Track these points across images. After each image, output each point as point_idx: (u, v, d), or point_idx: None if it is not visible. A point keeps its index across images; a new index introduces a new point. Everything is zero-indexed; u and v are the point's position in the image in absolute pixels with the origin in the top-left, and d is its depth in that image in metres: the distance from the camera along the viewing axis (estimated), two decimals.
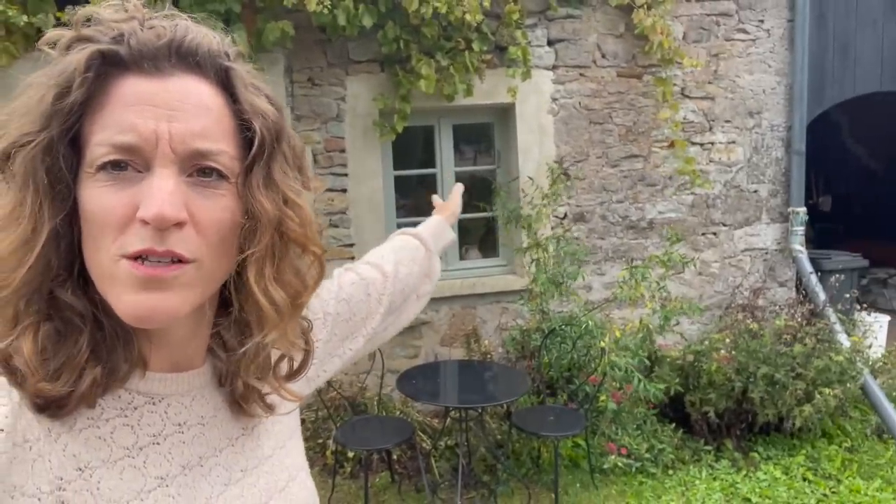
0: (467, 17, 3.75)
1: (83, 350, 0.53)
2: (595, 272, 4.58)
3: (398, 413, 3.86)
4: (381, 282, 0.96)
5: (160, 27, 0.55)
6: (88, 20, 0.54)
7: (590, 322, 3.69)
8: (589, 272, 4.50)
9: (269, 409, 0.68)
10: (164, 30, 0.55)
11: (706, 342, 4.03)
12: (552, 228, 4.40)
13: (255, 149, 0.57)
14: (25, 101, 0.52)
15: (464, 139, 4.60)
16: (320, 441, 3.75)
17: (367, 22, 3.73)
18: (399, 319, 1.03)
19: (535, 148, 4.39)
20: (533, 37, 4.35)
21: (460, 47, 4.02)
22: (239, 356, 0.63)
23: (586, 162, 4.52)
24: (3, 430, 0.48)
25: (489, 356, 4.16)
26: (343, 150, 4.13)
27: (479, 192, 4.56)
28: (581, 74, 4.48)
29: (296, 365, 0.70)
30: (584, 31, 4.47)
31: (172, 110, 0.53)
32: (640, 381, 3.45)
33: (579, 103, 4.48)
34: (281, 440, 0.74)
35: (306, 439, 3.82)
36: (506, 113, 4.47)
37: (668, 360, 3.94)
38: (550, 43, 4.43)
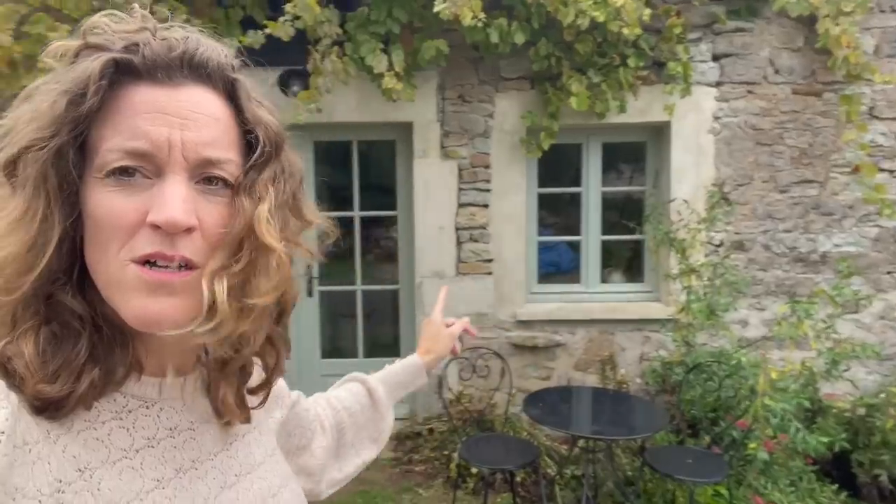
0: (625, 31, 3.61)
1: (82, 353, 0.54)
2: (754, 307, 4.17)
3: (525, 434, 3.78)
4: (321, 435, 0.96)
5: (173, 39, 0.57)
6: (95, 29, 0.56)
7: (742, 359, 3.35)
8: (746, 306, 4.11)
9: (247, 419, 0.69)
10: (177, 42, 0.56)
11: (883, 395, 3.50)
12: (706, 256, 4.09)
13: (255, 156, 0.59)
14: (33, 108, 0.53)
15: (613, 158, 4.43)
16: (445, 453, 3.77)
17: (520, 39, 3.73)
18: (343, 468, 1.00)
19: (691, 169, 4.11)
20: (696, 51, 4.10)
21: (615, 63, 3.89)
22: (210, 362, 0.64)
23: (749, 186, 4.15)
24: (3, 433, 0.49)
25: (625, 386, 3.94)
26: (488, 166, 4.15)
27: (627, 213, 4.37)
28: (749, 91, 4.14)
29: (253, 382, 0.69)
30: (756, 45, 4.12)
31: (184, 119, 0.55)
32: (798, 430, 3.07)
33: (745, 122, 4.13)
34: (270, 449, 0.76)
35: (433, 449, 3.87)
36: (660, 132, 4.24)
37: (835, 410, 3.47)
38: (716, 58, 4.14)
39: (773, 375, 3.32)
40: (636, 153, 4.46)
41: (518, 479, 3.52)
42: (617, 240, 4.40)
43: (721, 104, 4.13)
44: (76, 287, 0.55)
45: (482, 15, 3.47)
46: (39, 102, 0.53)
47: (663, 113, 3.97)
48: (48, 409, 0.52)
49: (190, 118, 0.55)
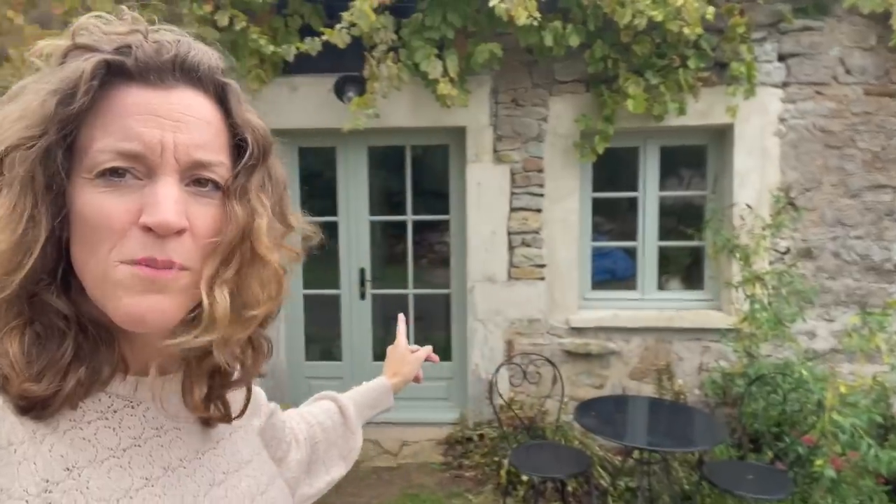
0: (686, 30, 3.51)
1: (67, 352, 0.54)
2: (822, 317, 3.97)
3: (577, 443, 3.70)
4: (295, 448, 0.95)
5: (165, 42, 0.57)
6: (83, 31, 0.56)
7: (808, 372, 3.19)
8: (814, 316, 3.92)
9: (227, 418, 0.69)
10: (169, 45, 0.57)
11: None
12: (770, 263, 3.92)
13: (244, 160, 0.59)
14: (21, 107, 0.53)
15: (671, 162, 4.31)
16: (496, 459, 3.73)
17: (575, 41, 3.68)
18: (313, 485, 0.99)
19: (755, 173, 3.96)
20: (760, 51, 3.95)
21: (674, 64, 3.78)
22: (193, 363, 0.64)
23: (818, 190, 3.96)
24: None
25: (683, 397, 3.82)
26: (541, 170, 4.11)
27: (685, 218, 4.24)
28: (818, 92, 3.96)
29: (233, 379, 0.69)
30: (825, 45, 3.94)
31: (176, 122, 0.55)
32: (869, 447, 2.90)
33: (813, 124, 3.95)
34: (257, 448, 0.76)
35: (483, 455, 3.83)
36: (722, 134, 4.10)
37: None
38: (781, 58, 3.98)
39: (843, 390, 3.15)
40: (695, 157, 4.32)
41: (569, 488, 3.44)
42: (675, 246, 4.27)
43: (787, 106, 3.96)
44: (60, 287, 0.55)
45: (537, 14, 3.44)
46: (28, 101, 0.53)
47: (725, 115, 3.85)
48: (34, 408, 0.52)
49: (182, 121, 0.56)
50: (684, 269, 4.43)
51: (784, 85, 3.98)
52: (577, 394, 4.03)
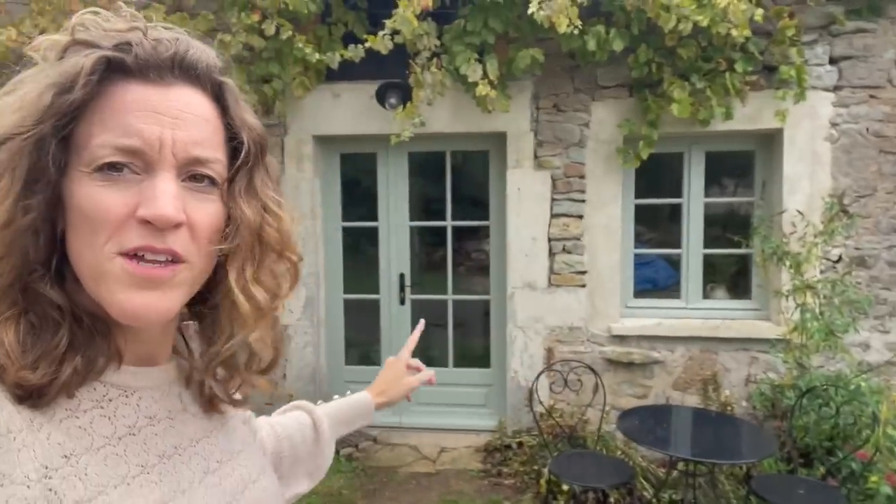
0: (733, 32, 3.44)
1: (62, 342, 0.54)
2: (876, 328, 3.82)
3: (619, 453, 3.63)
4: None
5: (165, 40, 0.58)
6: (83, 27, 0.57)
7: (862, 384, 3.07)
8: (868, 328, 3.78)
9: (236, 403, 0.72)
10: (168, 43, 0.58)
11: None
12: (822, 272, 3.80)
13: (242, 158, 0.61)
14: (18, 98, 0.54)
15: (715, 168, 4.22)
16: (535, 468, 3.69)
17: (618, 46, 3.64)
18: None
19: (805, 179, 3.85)
20: (811, 54, 3.84)
21: (720, 68, 3.71)
22: (211, 355, 0.66)
23: (872, 197, 3.82)
24: None
25: (730, 409, 3.71)
26: (582, 176, 4.06)
27: (730, 226, 4.14)
28: (871, 96, 3.83)
29: (264, 363, 0.71)
30: (879, 47, 3.81)
31: (175, 118, 0.56)
32: None
33: (867, 129, 3.82)
34: (247, 439, 0.78)
35: (522, 463, 3.79)
36: (771, 139, 4.00)
37: None
38: (833, 61, 3.86)
39: None
40: (741, 163, 4.22)
41: (611, 499, 3.38)
42: (720, 253, 4.16)
43: (839, 110, 3.84)
44: (54, 278, 0.56)
45: (578, 22, 3.42)
46: (26, 93, 0.54)
47: (774, 119, 3.75)
48: (31, 397, 0.53)
49: (181, 118, 0.57)
50: (730, 277, 4.32)
51: (836, 89, 3.86)
52: (618, 403, 3.96)
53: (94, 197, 0.54)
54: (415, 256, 4.59)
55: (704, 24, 3.41)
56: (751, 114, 3.84)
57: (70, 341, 0.55)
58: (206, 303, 0.66)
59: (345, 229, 4.53)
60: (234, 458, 0.72)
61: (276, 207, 0.63)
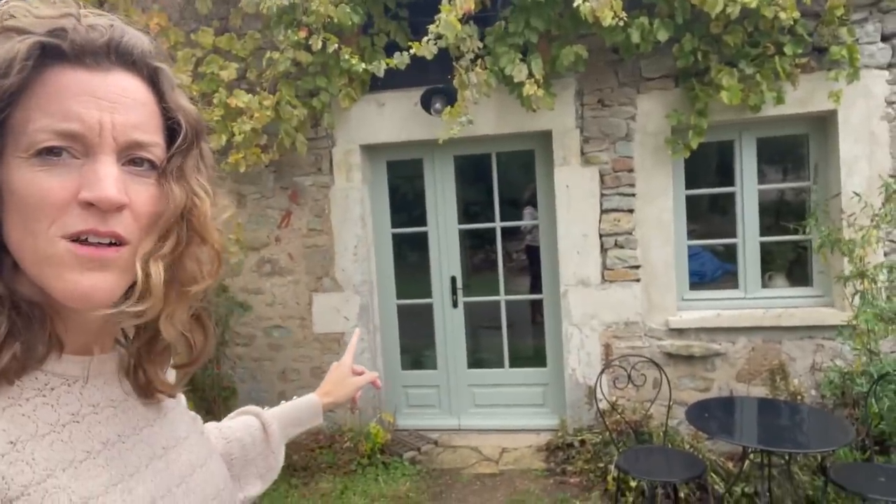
0: (781, 15, 3.39)
1: (1, 330, 0.54)
2: None
3: (687, 447, 3.58)
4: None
5: (100, 26, 0.58)
6: (11, 15, 0.56)
7: None
8: None
9: (173, 390, 0.72)
10: (104, 29, 0.58)
11: None
12: (885, 255, 3.70)
13: (178, 141, 0.62)
14: None
15: (769, 153, 4.14)
16: (600, 465, 3.66)
17: (663, 36, 3.61)
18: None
19: (862, 160, 3.75)
20: (862, 33, 3.75)
21: (769, 52, 3.65)
22: (134, 342, 0.66)
23: None
24: None
25: (799, 398, 3.63)
26: (631, 170, 4.04)
27: (787, 212, 4.06)
28: None
29: (178, 359, 0.71)
30: None
31: (114, 103, 0.57)
32: None
33: None
34: (191, 426, 0.79)
35: (586, 461, 3.77)
36: (825, 122, 3.92)
37: None
38: (885, 38, 3.76)
39: None
40: (792, 147, 4.14)
41: (682, 494, 3.33)
42: (777, 241, 4.08)
43: (895, 87, 3.74)
44: None
45: (623, 14, 3.40)
46: None
47: (828, 101, 3.68)
48: None
49: (119, 102, 0.57)
50: (788, 265, 4.23)
51: (889, 66, 3.77)
52: (680, 397, 3.92)
53: (33, 182, 0.54)
54: (464, 259, 4.61)
55: (752, 5, 3.36)
56: (803, 97, 3.77)
57: (9, 329, 0.54)
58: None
59: (394, 236, 4.58)
60: (180, 444, 0.73)
61: (203, 192, 0.63)
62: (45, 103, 0.55)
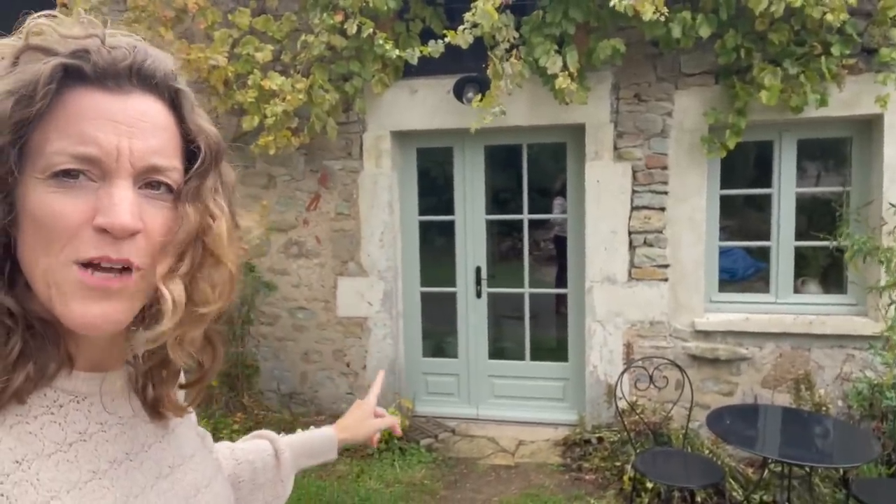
0: (828, 16, 3.27)
1: (15, 349, 0.54)
2: None
3: (706, 452, 3.55)
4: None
5: (122, 48, 0.58)
6: (38, 32, 0.56)
7: None
8: None
9: (181, 411, 0.72)
10: (126, 51, 0.58)
11: None
12: None
13: (197, 165, 0.61)
14: None
15: (805, 156, 4.03)
16: (617, 464, 3.65)
17: (705, 32, 3.52)
18: None
19: None
20: None
21: (815, 52, 3.53)
22: (146, 359, 0.65)
23: None
24: None
25: (825, 409, 3.56)
26: (664, 167, 3.96)
27: (819, 217, 3.95)
28: None
29: (185, 379, 0.70)
30: None
31: (132, 127, 0.56)
32: None
33: None
34: (198, 444, 0.79)
35: (603, 459, 3.76)
36: (869, 125, 3.79)
37: None
38: None
39: None
40: (830, 150, 4.02)
41: (698, 499, 3.31)
42: (812, 246, 3.98)
43: None
44: (6, 285, 0.56)
45: (664, 10, 3.32)
46: None
47: (874, 105, 3.55)
48: None
49: (138, 126, 0.57)
50: (822, 271, 4.13)
51: None
52: (703, 400, 3.87)
53: (49, 204, 0.54)
54: (490, 249, 4.59)
55: (797, 4, 3.25)
56: (848, 99, 3.64)
57: (22, 348, 0.55)
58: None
59: (421, 223, 4.58)
60: (186, 463, 0.72)
61: (219, 212, 0.62)
62: (63, 125, 0.55)
